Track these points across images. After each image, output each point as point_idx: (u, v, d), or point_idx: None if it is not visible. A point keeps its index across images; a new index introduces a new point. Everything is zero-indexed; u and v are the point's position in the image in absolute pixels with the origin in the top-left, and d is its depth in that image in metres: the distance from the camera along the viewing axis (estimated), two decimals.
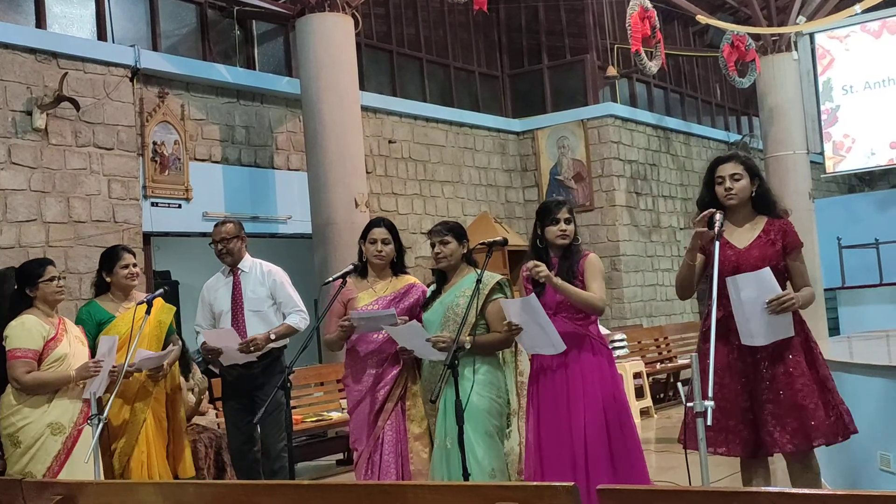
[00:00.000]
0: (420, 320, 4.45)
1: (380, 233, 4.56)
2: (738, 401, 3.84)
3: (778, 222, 3.97)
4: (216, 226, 5.45)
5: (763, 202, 4.02)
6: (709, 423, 3.09)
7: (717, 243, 3.72)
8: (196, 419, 6.72)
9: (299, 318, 5.37)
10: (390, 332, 4.35)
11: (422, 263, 11.58)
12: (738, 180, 3.97)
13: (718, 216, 3.78)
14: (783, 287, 3.80)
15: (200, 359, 7.03)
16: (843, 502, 1.57)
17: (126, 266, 5.10)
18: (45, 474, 4.52)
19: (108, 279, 5.14)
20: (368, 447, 4.46)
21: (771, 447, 3.80)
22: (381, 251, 4.55)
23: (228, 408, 5.46)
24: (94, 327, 5.04)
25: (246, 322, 5.28)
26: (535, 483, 1.82)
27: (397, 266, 4.65)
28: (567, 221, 4.34)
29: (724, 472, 6.46)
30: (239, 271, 5.39)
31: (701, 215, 3.84)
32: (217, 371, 5.86)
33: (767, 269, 3.75)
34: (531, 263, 4.18)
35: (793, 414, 3.74)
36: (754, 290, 3.70)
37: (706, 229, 3.80)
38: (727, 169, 3.99)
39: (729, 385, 3.85)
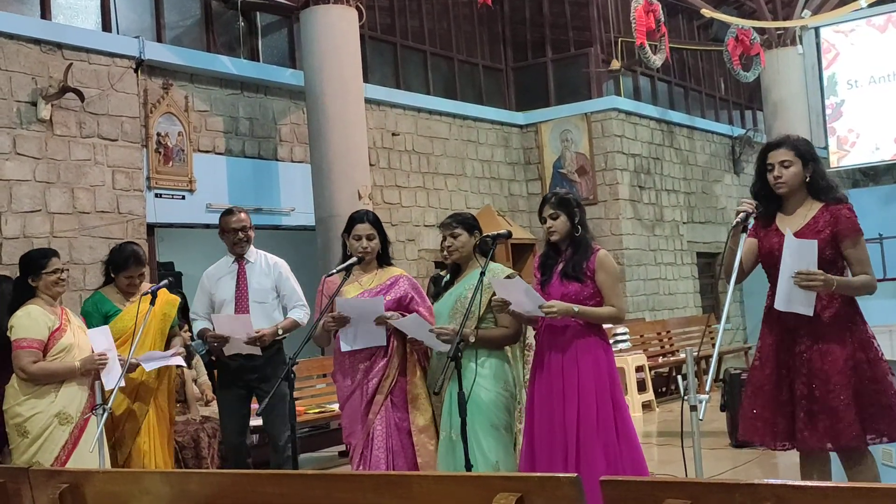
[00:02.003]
0: (409, 311, 4.44)
1: (364, 229, 4.50)
2: (775, 391, 3.76)
3: (833, 209, 3.77)
4: (229, 215, 5.36)
5: (815, 187, 3.83)
6: (701, 417, 3.07)
7: (744, 236, 3.69)
8: (199, 409, 6.75)
9: (303, 313, 5.36)
10: (396, 325, 4.35)
11: (425, 256, 11.59)
12: (787, 167, 3.80)
13: (745, 208, 3.71)
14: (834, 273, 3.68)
15: (203, 350, 7.05)
16: (844, 494, 1.58)
17: (130, 277, 5.09)
18: (53, 464, 4.53)
19: (112, 276, 5.15)
20: (361, 442, 4.45)
21: (800, 443, 3.73)
22: (365, 248, 4.50)
23: (224, 397, 5.43)
24: (100, 319, 5.02)
25: (249, 313, 5.26)
26: (537, 474, 1.83)
27: (383, 258, 4.61)
28: (553, 217, 4.27)
29: (726, 466, 6.49)
30: (245, 261, 5.37)
31: (735, 222, 3.72)
32: (214, 358, 5.83)
33: (814, 242, 3.62)
34: (544, 308, 4.11)
35: (825, 413, 3.64)
36: (795, 255, 3.62)
37: (740, 223, 3.72)
38: (777, 155, 3.82)
39: (770, 375, 3.78)
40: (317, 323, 4.42)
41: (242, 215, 5.36)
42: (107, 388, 4.54)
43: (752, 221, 3.77)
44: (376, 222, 4.57)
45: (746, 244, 3.95)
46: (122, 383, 4.61)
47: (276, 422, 5.17)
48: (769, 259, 3.86)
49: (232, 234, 5.32)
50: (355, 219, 4.58)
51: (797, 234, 3.78)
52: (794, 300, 3.66)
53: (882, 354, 3.78)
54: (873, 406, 3.68)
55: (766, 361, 3.82)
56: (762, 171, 3.90)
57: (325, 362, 8.20)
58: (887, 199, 15.25)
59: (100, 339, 4.71)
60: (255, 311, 5.26)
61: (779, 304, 3.72)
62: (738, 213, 3.75)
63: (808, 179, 3.83)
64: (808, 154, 3.83)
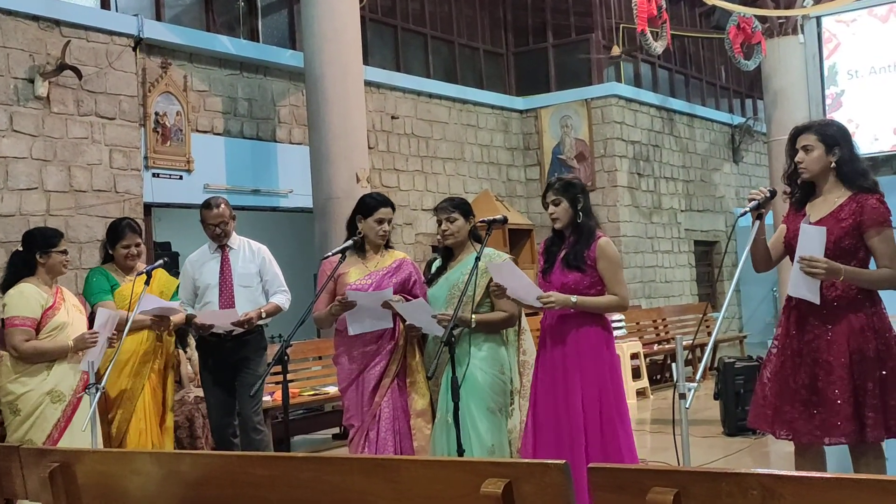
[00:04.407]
0: (412, 296, 4.47)
1: (387, 213, 4.57)
2: (788, 381, 3.72)
3: (861, 198, 3.70)
4: (207, 209, 5.38)
5: (842, 173, 3.76)
6: (687, 405, 3.06)
7: (758, 223, 3.63)
8: (193, 389, 6.76)
9: (285, 299, 5.46)
10: (398, 309, 4.37)
11: (422, 240, 11.59)
12: (809, 151, 3.75)
13: (754, 195, 3.64)
14: (851, 263, 3.63)
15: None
16: (829, 485, 1.58)
17: (127, 246, 5.11)
18: (45, 442, 4.55)
19: (111, 252, 5.19)
20: (366, 424, 4.47)
21: (794, 434, 3.70)
22: (387, 231, 4.58)
23: (207, 378, 5.49)
24: (108, 289, 5.07)
25: (235, 297, 5.32)
26: (526, 460, 1.84)
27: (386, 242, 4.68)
28: (555, 203, 4.25)
29: (718, 454, 6.51)
30: (228, 248, 5.41)
31: (748, 207, 3.64)
32: (194, 335, 5.87)
33: (823, 228, 3.57)
34: (541, 298, 4.11)
35: (822, 405, 3.60)
36: (803, 241, 3.59)
37: (756, 208, 3.64)
38: (802, 140, 3.78)
39: (784, 363, 3.75)
40: (311, 304, 4.43)
41: (221, 208, 5.36)
42: (86, 362, 4.57)
43: (768, 209, 3.69)
44: (394, 207, 4.65)
45: (778, 230, 3.93)
46: (99, 362, 4.57)
47: (249, 402, 5.22)
48: (791, 244, 3.80)
49: (210, 229, 5.36)
50: (380, 202, 4.60)
51: (821, 221, 3.71)
52: (801, 286, 3.63)
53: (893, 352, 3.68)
54: (882, 402, 3.59)
55: (781, 348, 3.79)
56: (793, 155, 3.84)
57: (320, 344, 8.21)
58: (886, 190, 15.16)
59: (101, 318, 4.69)
60: (241, 296, 5.33)
61: (789, 290, 3.70)
62: (749, 200, 3.68)
63: (833, 165, 3.76)
64: (832, 139, 3.76)
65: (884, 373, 3.63)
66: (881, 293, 3.81)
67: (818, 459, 3.81)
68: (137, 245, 5.18)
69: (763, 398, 3.81)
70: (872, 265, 3.77)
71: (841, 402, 3.57)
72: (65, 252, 4.81)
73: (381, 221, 4.55)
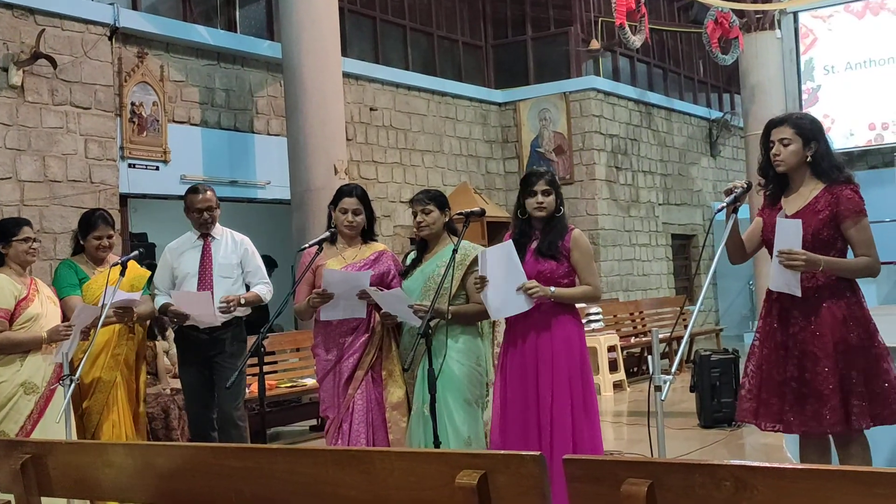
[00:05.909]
0: (390, 287, 4.46)
1: (351, 203, 4.52)
2: (773, 373, 3.74)
3: (836, 189, 3.73)
4: (195, 193, 5.31)
5: (817, 167, 3.78)
6: (663, 398, 3.07)
7: (735, 216, 3.63)
8: (169, 381, 6.73)
9: (267, 290, 5.39)
10: (375, 298, 4.36)
11: (400, 232, 11.58)
12: (786, 145, 3.76)
13: (739, 186, 3.63)
14: (828, 254, 3.66)
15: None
16: (801, 476, 1.60)
17: (99, 237, 5.04)
18: (18, 433, 4.50)
19: (82, 243, 5.12)
20: (340, 416, 4.47)
21: (785, 427, 3.73)
22: (352, 221, 4.53)
23: (186, 372, 5.43)
24: (77, 282, 5.01)
25: (214, 286, 5.25)
26: (501, 451, 1.84)
27: (367, 233, 4.64)
28: (546, 193, 4.27)
29: (693, 446, 6.56)
30: (210, 238, 5.35)
31: (726, 202, 3.63)
32: (172, 328, 5.79)
33: (798, 221, 3.60)
34: (526, 287, 4.11)
35: (813, 397, 3.63)
36: (781, 235, 3.61)
37: (731, 202, 3.62)
38: (778, 133, 3.79)
39: (767, 356, 3.77)
40: (287, 296, 4.41)
41: (209, 194, 5.31)
42: (55, 359, 4.52)
43: (742, 202, 3.67)
44: (364, 197, 4.59)
45: (753, 224, 3.95)
46: (73, 352, 4.53)
47: (228, 396, 5.18)
48: (770, 239, 3.81)
49: (197, 214, 5.30)
50: (343, 192, 4.59)
51: (797, 214, 3.74)
52: (781, 280, 3.65)
53: (879, 338, 3.73)
54: (867, 390, 3.63)
55: (764, 341, 3.82)
56: (767, 147, 3.86)
57: (297, 336, 8.19)
58: (861, 186, 15.32)
59: (81, 314, 4.61)
60: (220, 286, 5.25)
61: (770, 284, 3.73)
62: (727, 192, 3.68)
63: (809, 159, 3.78)
64: (809, 133, 3.78)
65: (867, 361, 3.67)
66: (860, 286, 3.85)
67: (823, 449, 3.84)
68: (110, 237, 5.11)
69: (748, 391, 3.84)
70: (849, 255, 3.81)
71: (828, 392, 3.61)
72: (28, 240, 4.73)
73: (344, 212, 4.52)
